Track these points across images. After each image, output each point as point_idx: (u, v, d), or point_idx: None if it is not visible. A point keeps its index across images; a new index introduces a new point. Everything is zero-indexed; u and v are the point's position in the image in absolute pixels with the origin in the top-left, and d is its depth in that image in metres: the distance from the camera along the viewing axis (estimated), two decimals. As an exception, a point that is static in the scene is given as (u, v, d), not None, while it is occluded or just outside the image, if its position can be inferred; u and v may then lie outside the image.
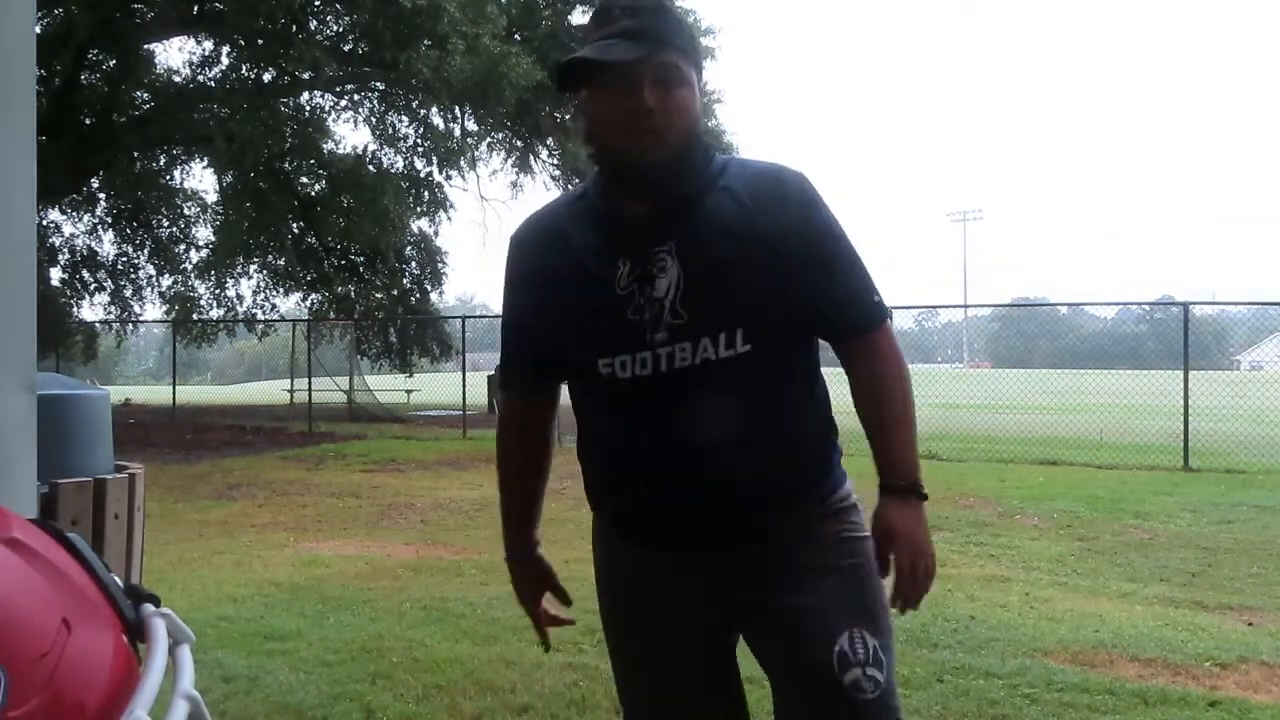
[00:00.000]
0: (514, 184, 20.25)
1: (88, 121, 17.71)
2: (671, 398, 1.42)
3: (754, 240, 1.42)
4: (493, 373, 18.36)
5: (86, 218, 21.85)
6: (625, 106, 1.38)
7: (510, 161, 20.15)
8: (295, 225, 20.40)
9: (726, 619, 1.53)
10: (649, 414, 1.45)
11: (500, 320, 1.66)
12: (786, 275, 1.43)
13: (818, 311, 1.49)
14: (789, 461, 1.48)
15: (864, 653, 1.41)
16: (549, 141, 19.34)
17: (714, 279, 1.42)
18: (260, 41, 16.46)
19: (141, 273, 22.33)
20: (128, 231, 21.91)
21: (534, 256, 1.55)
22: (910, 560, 1.47)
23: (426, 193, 19.34)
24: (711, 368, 1.41)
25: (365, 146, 23.49)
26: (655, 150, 1.40)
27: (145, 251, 22.08)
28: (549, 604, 1.68)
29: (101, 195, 21.44)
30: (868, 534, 1.51)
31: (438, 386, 20.48)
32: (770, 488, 1.46)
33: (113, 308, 22.41)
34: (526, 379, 1.62)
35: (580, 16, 17.07)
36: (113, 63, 18.14)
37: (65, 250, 21.69)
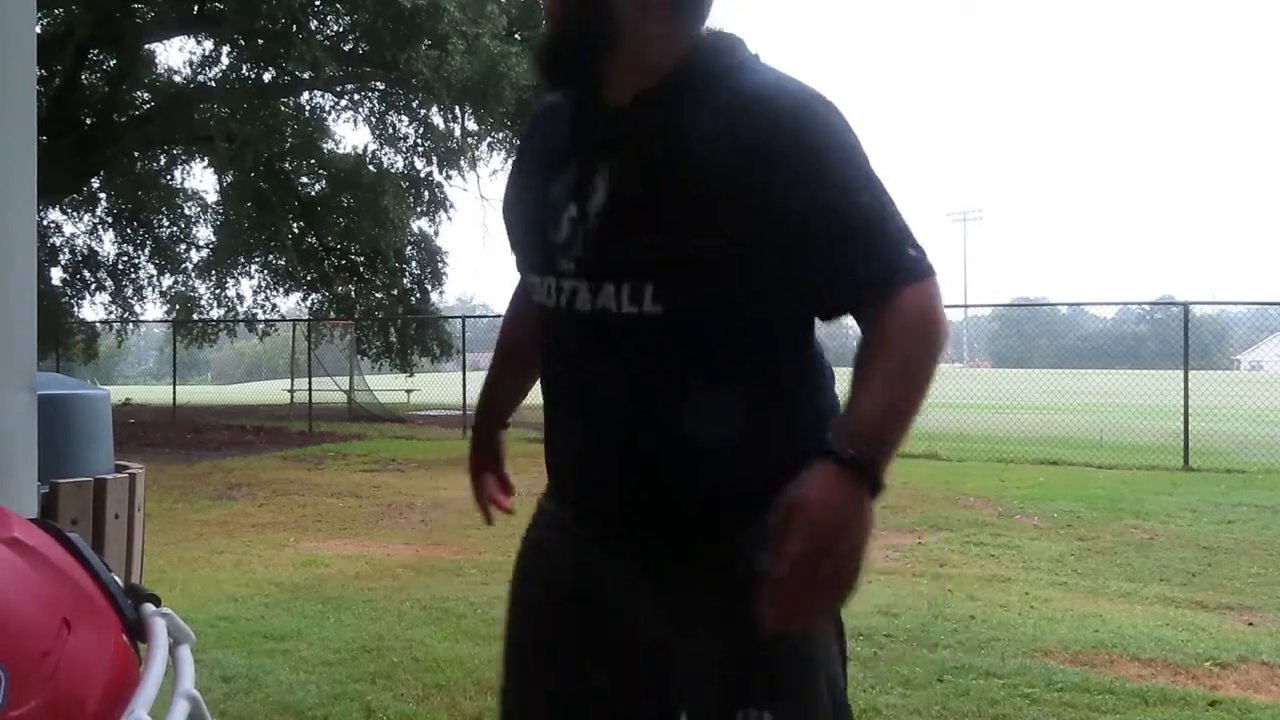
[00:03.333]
0: (514, 183, 20.23)
1: (88, 121, 17.74)
2: (578, 345, 1.20)
3: (714, 174, 1.10)
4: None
5: (87, 217, 21.90)
6: None
7: (510, 161, 20.14)
8: (295, 225, 20.41)
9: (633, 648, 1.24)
10: (563, 356, 1.25)
11: None
12: (762, 224, 1.10)
13: (814, 272, 1.13)
14: (720, 474, 1.16)
15: None
16: (549, 141, 19.32)
17: (635, 213, 1.14)
18: (260, 41, 16.49)
19: (142, 272, 22.37)
20: (128, 231, 21.93)
21: (528, 140, 1.38)
22: (807, 544, 1.00)
23: (426, 193, 19.36)
24: (611, 322, 1.13)
25: (365, 146, 23.55)
26: (555, 29, 1.23)
27: (146, 251, 22.10)
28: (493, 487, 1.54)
29: (102, 195, 21.47)
30: None
31: (438, 386, 20.46)
32: (687, 504, 1.18)
33: (113, 307, 22.46)
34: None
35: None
36: (113, 63, 18.18)
37: (66, 250, 21.74)
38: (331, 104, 19.54)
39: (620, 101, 1.18)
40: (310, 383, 16.95)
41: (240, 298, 22.43)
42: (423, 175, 19.25)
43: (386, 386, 20.31)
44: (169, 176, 21.31)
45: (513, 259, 1.36)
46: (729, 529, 1.16)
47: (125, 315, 22.59)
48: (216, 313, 22.27)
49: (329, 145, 19.75)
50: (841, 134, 1.13)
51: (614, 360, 1.17)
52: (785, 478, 1.05)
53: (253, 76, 17.79)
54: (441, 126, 18.37)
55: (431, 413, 18.29)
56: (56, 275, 21.31)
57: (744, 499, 1.13)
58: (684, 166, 1.13)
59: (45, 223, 19.94)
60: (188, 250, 22.21)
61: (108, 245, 22.25)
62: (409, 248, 21.07)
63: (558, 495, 1.32)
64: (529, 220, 1.25)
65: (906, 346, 1.09)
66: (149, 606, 0.75)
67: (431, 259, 21.50)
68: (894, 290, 1.10)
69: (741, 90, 1.14)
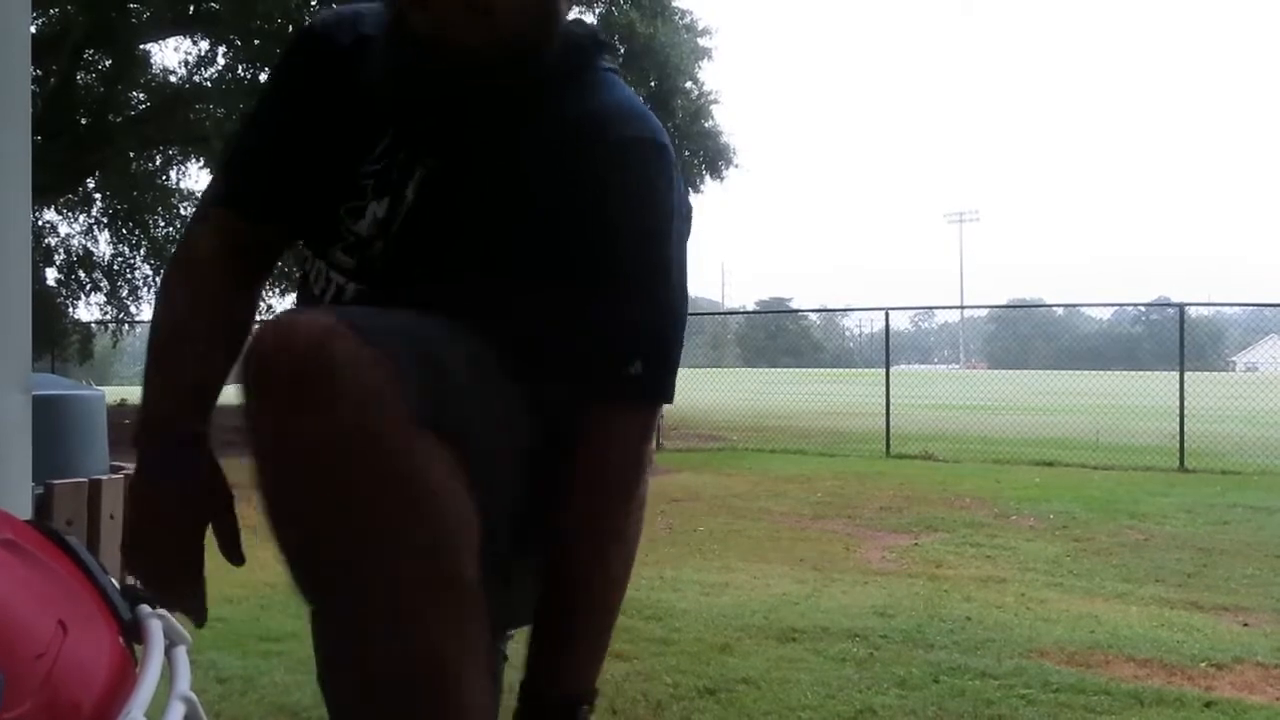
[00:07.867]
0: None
1: (83, 122, 17.73)
2: None
3: (523, 208, 0.94)
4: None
5: (82, 218, 21.88)
6: None
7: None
8: (291, 225, 20.42)
9: None
10: None
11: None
12: (538, 275, 0.95)
13: (559, 341, 0.95)
14: None
15: None
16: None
17: (442, 242, 0.96)
18: (256, 41, 16.47)
19: (138, 273, 22.33)
20: (124, 232, 21.91)
21: (314, 60, 1.06)
22: None
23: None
24: None
25: (362, 147, 23.49)
26: None
27: (141, 252, 22.08)
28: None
29: (97, 195, 21.45)
30: None
31: (434, 387, 20.41)
32: None
33: (109, 308, 22.42)
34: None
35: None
36: (108, 63, 18.16)
37: (61, 250, 21.71)
38: (328, 104, 19.57)
39: (440, 33, 0.92)
40: (306, 383, 16.91)
41: (236, 298, 22.42)
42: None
43: (382, 387, 20.25)
44: (165, 177, 21.30)
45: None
46: None
47: (121, 316, 22.56)
48: (212, 313, 22.25)
49: (325, 145, 19.76)
50: (663, 198, 0.95)
51: None
52: None
53: (249, 77, 17.76)
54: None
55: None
56: (51, 276, 21.31)
57: None
58: (501, 197, 0.95)
59: (40, 223, 19.93)
60: (183, 251, 22.22)
61: (103, 245, 22.25)
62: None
63: None
64: (337, 186, 1.03)
65: (602, 522, 0.97)
66: (145, 608, 0.75)
67: (427, 259, 21.48)
68: (612, 398, 0.95)
69: (587, 108, 0.96)
